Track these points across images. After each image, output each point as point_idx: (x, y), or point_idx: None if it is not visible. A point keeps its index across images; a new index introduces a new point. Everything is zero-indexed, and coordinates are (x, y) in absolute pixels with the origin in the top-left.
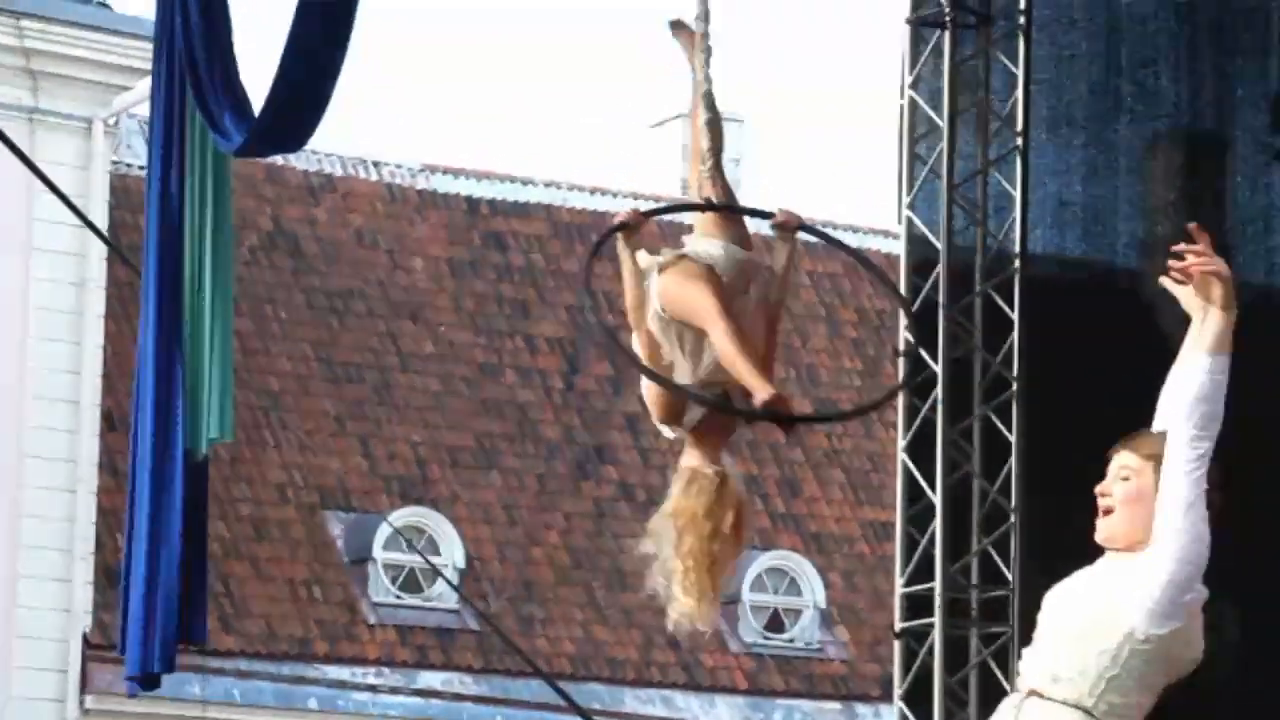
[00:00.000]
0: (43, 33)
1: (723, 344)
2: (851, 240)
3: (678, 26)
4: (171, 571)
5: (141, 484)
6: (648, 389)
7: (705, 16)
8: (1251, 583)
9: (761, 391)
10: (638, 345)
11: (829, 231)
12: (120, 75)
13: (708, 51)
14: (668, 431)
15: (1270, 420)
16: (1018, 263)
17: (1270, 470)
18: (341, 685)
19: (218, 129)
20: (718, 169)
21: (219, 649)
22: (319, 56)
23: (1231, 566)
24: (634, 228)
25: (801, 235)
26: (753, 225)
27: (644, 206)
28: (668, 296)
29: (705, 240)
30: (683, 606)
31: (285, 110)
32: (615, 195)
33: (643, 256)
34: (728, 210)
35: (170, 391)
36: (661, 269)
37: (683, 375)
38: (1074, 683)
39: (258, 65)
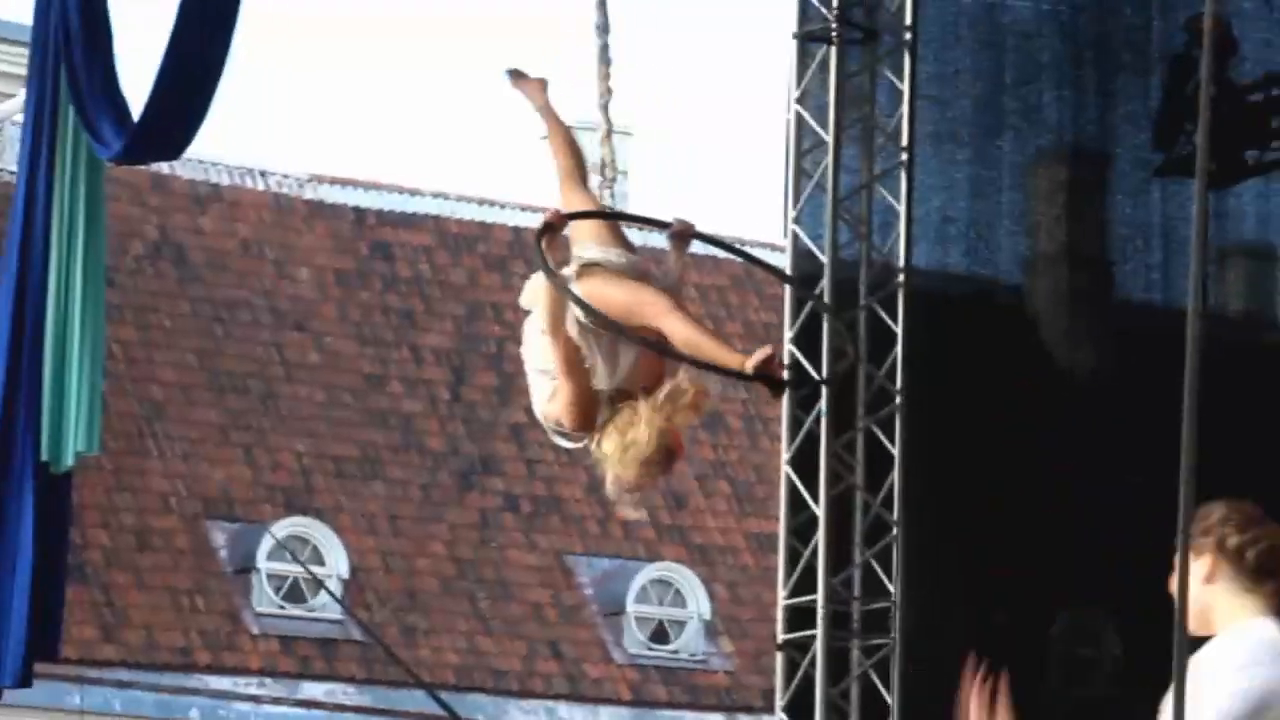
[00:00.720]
0: None
1: (682, 328)
2: None
3: (516, 75)
4: (23, 586)
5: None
6: (561, 397)
7: (605, 28)
8: (1131, 598)
9: (740, 360)
10: (554, 351)
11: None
12: (2, 82)
13: (608, 63)
14: (564, 442)
15: (1158, 435)
16: (902, 276)
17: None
18: (224, 696)
19: (96, 136)
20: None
21: (99, 659)
22: (199, 63)
23: (1111, 581)
24: (556, 229)
25: (695, 246)
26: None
27: (532, 219)
28: (595, 300)
29: (603, 249)
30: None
31: (165, 117)
32: (503, 207)
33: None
34: (630, 220)
35: (24, 401)
36: (579, 275)
37: (601, 380)
38: None
39: (137, 72)
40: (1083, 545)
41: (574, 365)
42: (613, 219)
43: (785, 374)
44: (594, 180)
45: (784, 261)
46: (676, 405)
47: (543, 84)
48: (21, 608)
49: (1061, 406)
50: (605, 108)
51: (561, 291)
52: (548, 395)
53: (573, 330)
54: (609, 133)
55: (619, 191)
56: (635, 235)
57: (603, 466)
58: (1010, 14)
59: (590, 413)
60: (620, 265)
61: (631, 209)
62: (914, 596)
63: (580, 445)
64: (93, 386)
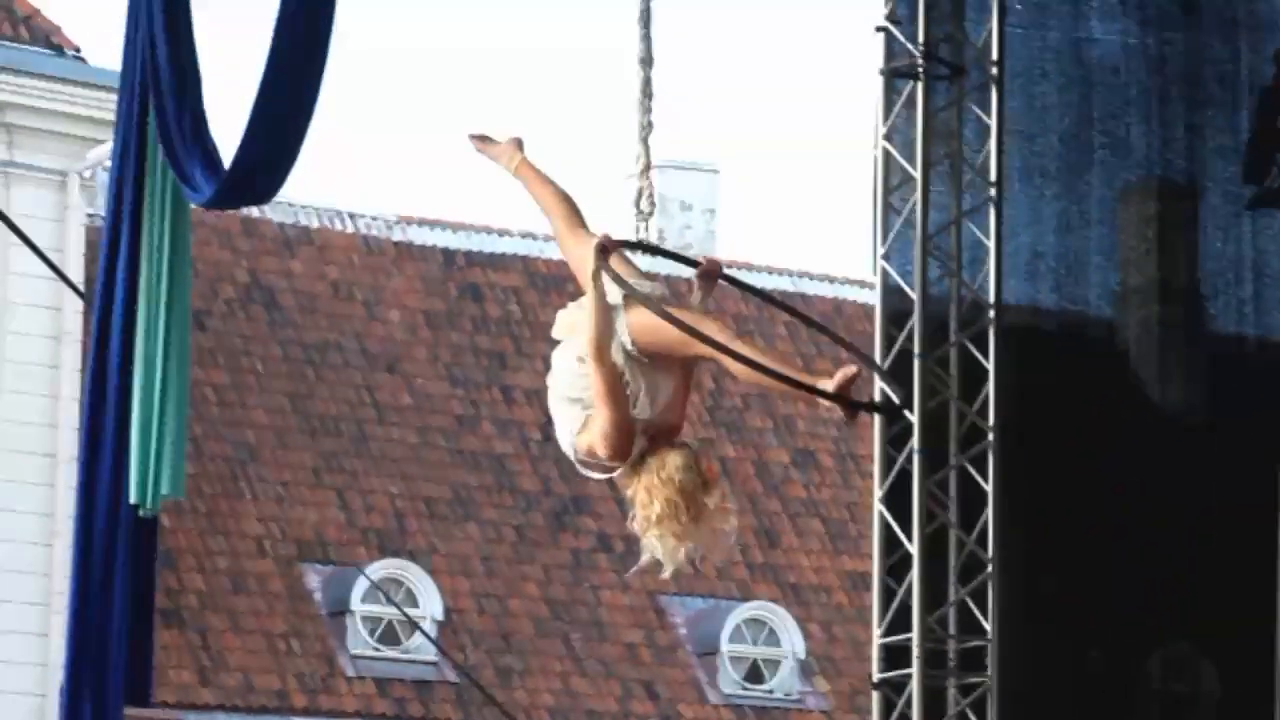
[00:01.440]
0: (17, 86)
1: (755, 353)
2: (827, 290)
3: (481, 140)
4: (119, 631)
5: (86, 539)
6: (597, 426)
7: (648, 61)
8: (1228, 634)
9: (818, 380)
10: (596, 378)
11: (805, 280)
12: (95, 128)
13: (650, 96)
14: (592, 473)
15: (1252, 468)
16: (992, 313)
17: (1251, 517)
18: None
19: (187, 181)
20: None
21: (196, 703)
22: (290, 107)
23: (1208, 617)
24: (609, 252)
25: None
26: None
27: None
28: (646, 330)
29: (637, 280)
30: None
31: (256, 162)
32: None
33: (610, 291)
34: (663, 255)
35: (112, 445)
36: (626, 305)
37: (642, 410)
38: None
39: (228, 116)
40: (1178, 581)
41: (616, 393)
42: (650, 251)
43: (868, 398)
44: (633, 212)
45: (873, 299)
46: (682, 477)
47: (516, 143)
48: (119, 653)
49: (1154, 441)
50: (645, 140)
51: (651, 306)
52: (578, 425)
53: (618, 357)
54: (648, 166)
55: (706, 228)
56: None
57: (634, 504)
58: (1097, 48)
59: (628, 441)
60: (662, 295)
61: (718, 246)
62: (1009, 634)
63: (610, 476)
64: (178, 430)
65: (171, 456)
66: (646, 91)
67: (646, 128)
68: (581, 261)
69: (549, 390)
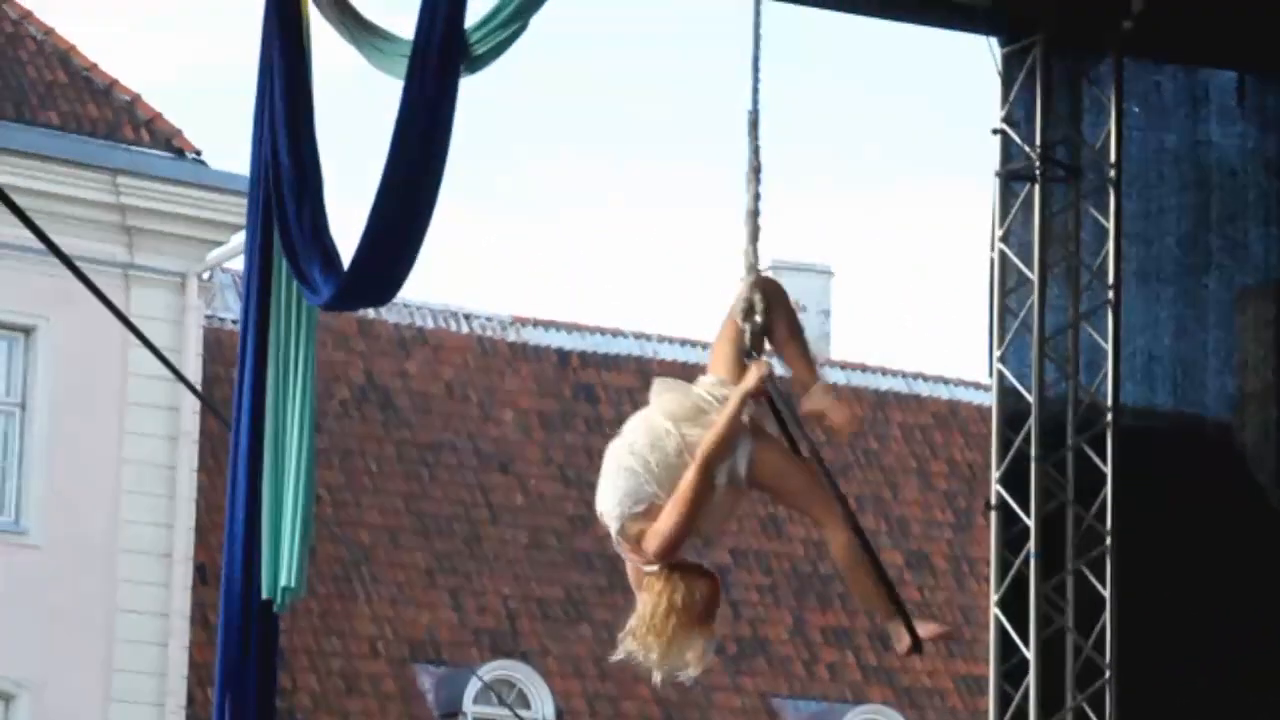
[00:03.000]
0: (138, 189)
1: (848, 546)
2: (943, 392)
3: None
4: None
5: (223, 635)
6: (661, 524)
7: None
8: None
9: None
10: (688, 480)
11: (920, 382)
12: (214, 230)
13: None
14: (624, 553)
15: None
16: (1110, 416)
17: None
18: None
19: (306, 282)
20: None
21: None
22: (408, 209)
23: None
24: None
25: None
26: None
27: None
28: (770, 471)
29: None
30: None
31: (374, 264)
32: (704, 346)
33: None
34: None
35: (254, 544)
36: (756, 434)
37: (708, 524)
38: None
39: (348, 218)
40: None
41: (697, 505)
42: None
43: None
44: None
45: (990, 400)
46: (701, 610)
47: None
48: None
49: (1274, 545)
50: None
51: (808, 455)
52: (639, 507)
53: (721, 479)
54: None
55: (821, 329)
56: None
57: (640, 600)
58: (1215, 151)
59: (677, 549)
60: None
61: (834, 347)
62: None
63: (633, 564)
64: (306, 527)
65: (298, 553)
66: (753, 207)
67: (753, 241)
68: (729, 362)
69: (618, 444)
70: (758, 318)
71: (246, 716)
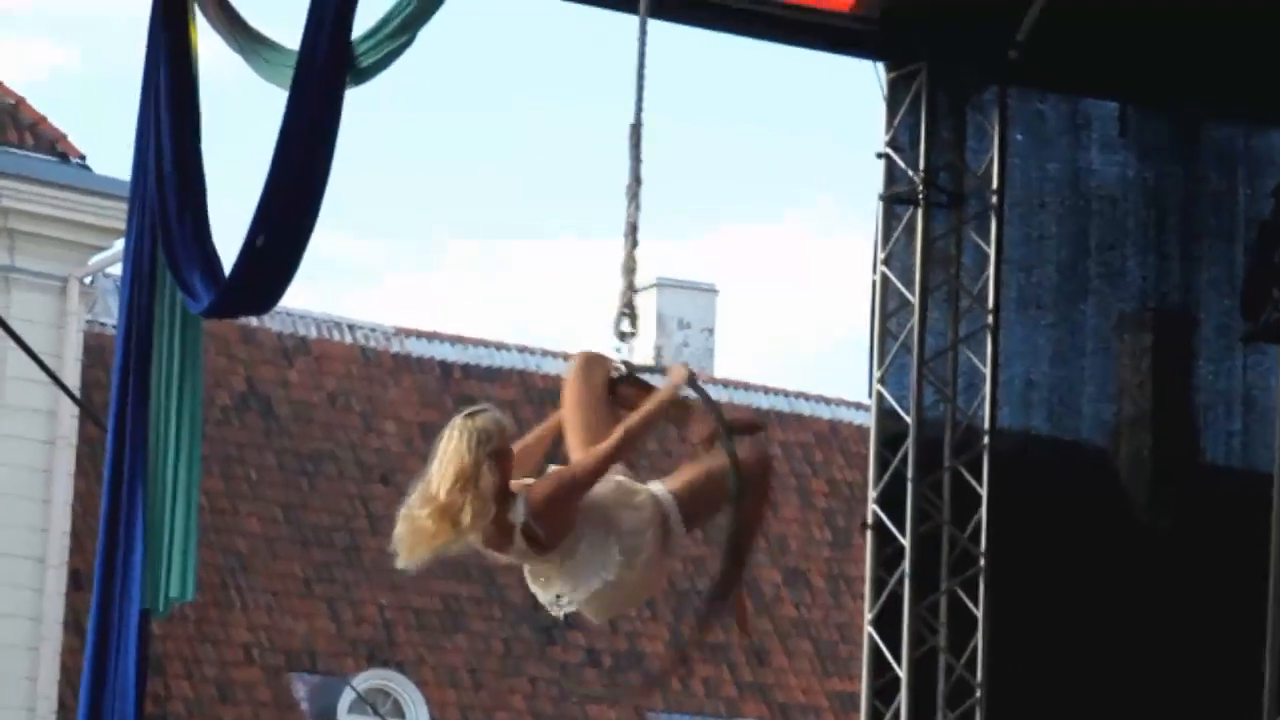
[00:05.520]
0: (19, 192)
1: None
2: (823, 411)
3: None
4: None
5: (97, 642)
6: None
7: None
8: None
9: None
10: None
11: (801, 401)
12: (97, 235)
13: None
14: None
15: (1242, 599)
16: (986, 439)
17: (1241, 646)
18: None
19: (187, 289)
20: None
21: None
22: (291, 218)
23: None
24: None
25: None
26: None
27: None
28: (688, 500)
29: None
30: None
31: (254, 273)
32: None
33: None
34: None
35: (124, 549)
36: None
37: (652, 581)
38: None
39: (229, 226)
40: (1168, 708)
41: (606, 466)
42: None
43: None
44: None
45: (869, 420)
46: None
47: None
48: None
49: (1145, 569)
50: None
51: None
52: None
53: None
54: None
55: (704, 346)
56: None
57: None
58: (1095, 179)
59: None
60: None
61: (717, 365)
62: None
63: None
64: (189, 534)
65: (182, 560)
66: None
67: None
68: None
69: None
70: (630, 329)
71: None
